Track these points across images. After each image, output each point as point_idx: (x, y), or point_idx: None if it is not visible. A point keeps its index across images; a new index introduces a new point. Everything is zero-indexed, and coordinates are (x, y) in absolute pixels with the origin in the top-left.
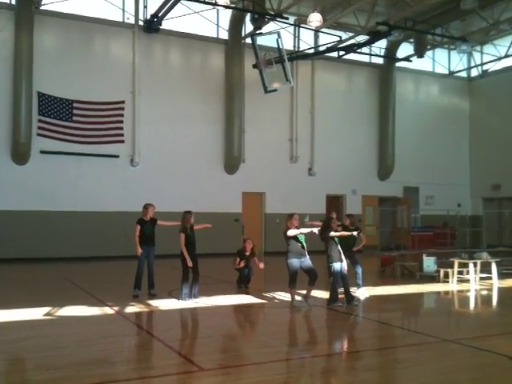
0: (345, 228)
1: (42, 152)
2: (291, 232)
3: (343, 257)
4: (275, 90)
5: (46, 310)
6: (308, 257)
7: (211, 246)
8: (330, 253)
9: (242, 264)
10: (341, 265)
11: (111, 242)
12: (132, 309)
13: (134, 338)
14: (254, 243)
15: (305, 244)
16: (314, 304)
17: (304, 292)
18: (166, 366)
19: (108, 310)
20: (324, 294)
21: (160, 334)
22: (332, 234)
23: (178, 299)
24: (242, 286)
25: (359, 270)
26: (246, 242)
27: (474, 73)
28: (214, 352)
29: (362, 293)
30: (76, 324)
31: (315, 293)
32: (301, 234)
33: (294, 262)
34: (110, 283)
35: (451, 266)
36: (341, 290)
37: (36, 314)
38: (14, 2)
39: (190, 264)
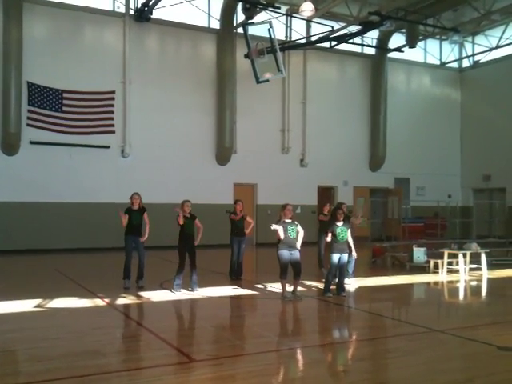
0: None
1: (32, 143)
2: (273, 227)
3: (353, 247)
4: (267, 81)
5: (38, 301)
6: (298, 250)
7: (202, 238)
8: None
9: (238, 217)
10: (339, 256)
11: (102, 233)
12: (123, 300)
13: (125, 330)
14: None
15: (297, 236)
16: (305, 295)
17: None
18: (157, 357)
19: (99, 302)
20: (315, 285)
21: (151, 326)
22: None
23: (171, 290)
24: (234, 277)
25: (352, 259)
26: (236, 203)
27: (466, 63)
28: (205, 343)
29: (351, 283)
30: (67, 315)
31: (307, 283)
32: (281, 237)
33: (285, 253)
34: (102, 275)
35: (441, 256)
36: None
37: (27, 305)
38: None
39: (181, 222)
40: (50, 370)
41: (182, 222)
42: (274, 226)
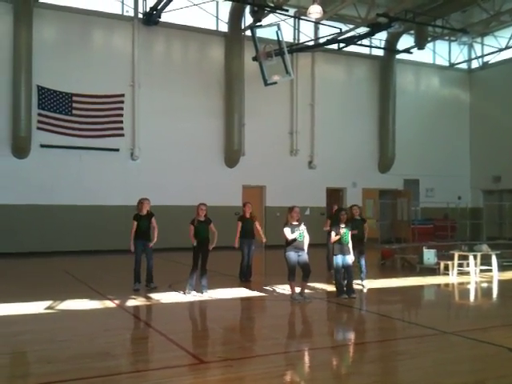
0: (352, 219)
1: (43, 146)
2: (286, 232)
3: (351, 250)
4: (275, 83)
5: (47, 303)
6: (306, 252)
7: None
8: (333, 246)
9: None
10: (342, 257)
11: (112, 235)
12: (133, 302)
13: (135, 331)
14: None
15: (303, 239)
16: (314, 297)
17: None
18: (167, 359)
19: (109, 304)
20: (324, 287)
21: (161, 327)
22: (332, 237)
23: (184, 291)
24: (244, 279)
25: (363, 262)
26: (245, 205)
27: (475, 64)
28: (215, 345)
29: (362, 285)
30: (77, 317)
31: (316, 285)
32: (293, 237)
33: (292, 255)
34: (111, 277)
35: (451, 258)
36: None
37: (37, 307)
38: None
39: (194, 243)
40: (59, 372)
41: (194, 243)
42: (292, 235)
